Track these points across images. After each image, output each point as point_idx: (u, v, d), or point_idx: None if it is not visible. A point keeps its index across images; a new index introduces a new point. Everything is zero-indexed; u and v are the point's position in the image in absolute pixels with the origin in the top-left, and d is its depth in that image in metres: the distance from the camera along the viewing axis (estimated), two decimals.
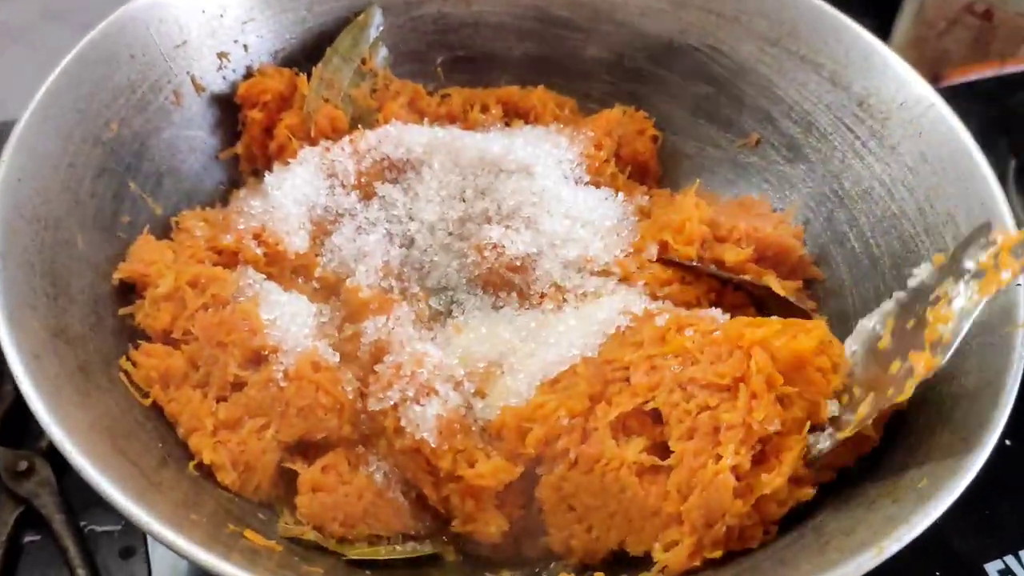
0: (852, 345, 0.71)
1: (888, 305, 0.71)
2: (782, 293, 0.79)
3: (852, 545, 0.58)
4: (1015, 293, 0.68)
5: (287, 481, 0.69)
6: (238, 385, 0.69)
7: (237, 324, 0.70)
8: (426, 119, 0.89)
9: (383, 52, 0.92)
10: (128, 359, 0.71)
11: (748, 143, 0.92)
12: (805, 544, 0.63)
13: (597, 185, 0.86)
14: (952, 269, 0.66)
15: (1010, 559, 0.80)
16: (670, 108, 0.96)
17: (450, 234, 0.82)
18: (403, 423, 0.67)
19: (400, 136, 0.84)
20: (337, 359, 0.71)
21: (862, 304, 0.81)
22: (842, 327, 0.80)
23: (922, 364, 0.63)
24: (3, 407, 0.82)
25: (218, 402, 0.69)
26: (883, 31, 1.22)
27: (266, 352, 0.69)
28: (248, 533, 0.62)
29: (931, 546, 0.58)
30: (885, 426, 0.68)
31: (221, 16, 0.86)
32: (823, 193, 0.87)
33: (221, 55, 0.87)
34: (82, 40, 0.77)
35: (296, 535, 0.66)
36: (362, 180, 0.83)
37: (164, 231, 0.81)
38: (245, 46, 0.88)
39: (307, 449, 0.69)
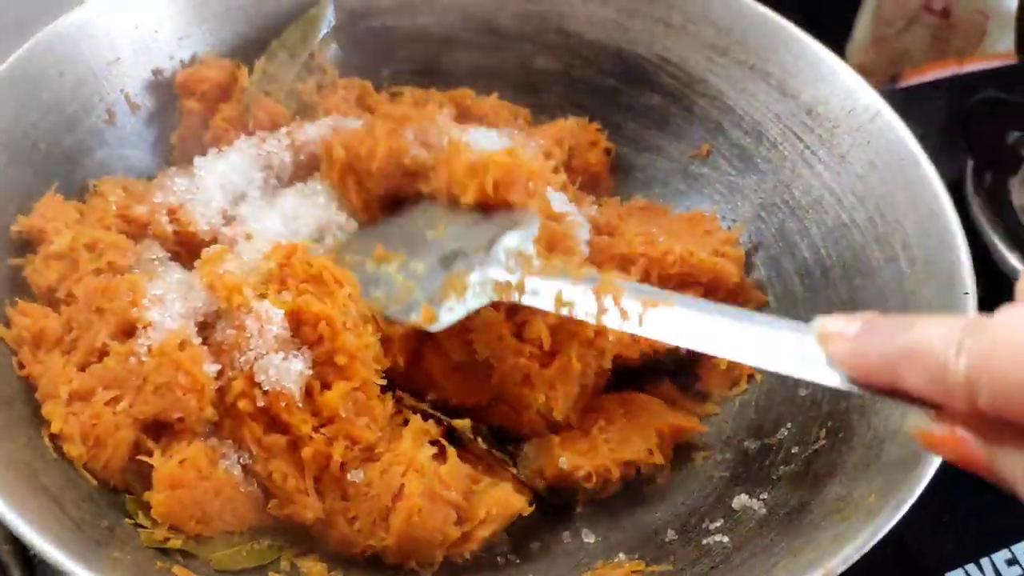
0: None
1: None
2: None
3: (799, 566, 0.57)
4: (963, 304, 0.68)
5: (139, 473, 0.66)
6: (103, 355, 0.67)
7: (121, 292, 0.67)
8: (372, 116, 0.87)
9: (333, 48, 0.90)
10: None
11: (699, 153, 0.91)
12: (755, 564, 0.62)
13: None
14: (488, 238, 0.72)
15: (971, 567, 0.79)
16: (620, 119, 0.94)
17: None
18: (259, 378, 0.65)
19: (340, 129, 0.82)
20: (200, 342, 0.68)
21: (814, 314, 0.79)
22: None
23: (426, 316, 0.70)
24: None
25: (79, 371, 0.66)
26: (843, 31, 1.23)
27: (142, 326, 0.66)
28: (177, 569, 0.60)
29: (890, 553, 0.57)
30: (835, 440, 0.67)
31: (156, 32, 0.84)
32: (774, 203, 0.86)
33: (156, 72, 0.84)
34: (7, 59, 0.74)
35: (160, 543, 0.63)
36: (299, 172, 0.82)
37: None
38: (181, 62, 0.86)
39: (162, 432, 0.66)
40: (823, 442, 0.70)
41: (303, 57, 0.87)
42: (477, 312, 0.70)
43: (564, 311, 0.67)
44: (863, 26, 1.21)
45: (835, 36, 0.86)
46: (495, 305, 0.71)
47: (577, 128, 0.92)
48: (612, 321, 0.65)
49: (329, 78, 0.89)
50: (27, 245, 0.73)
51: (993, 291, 0.72)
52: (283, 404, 0.65)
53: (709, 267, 0.81)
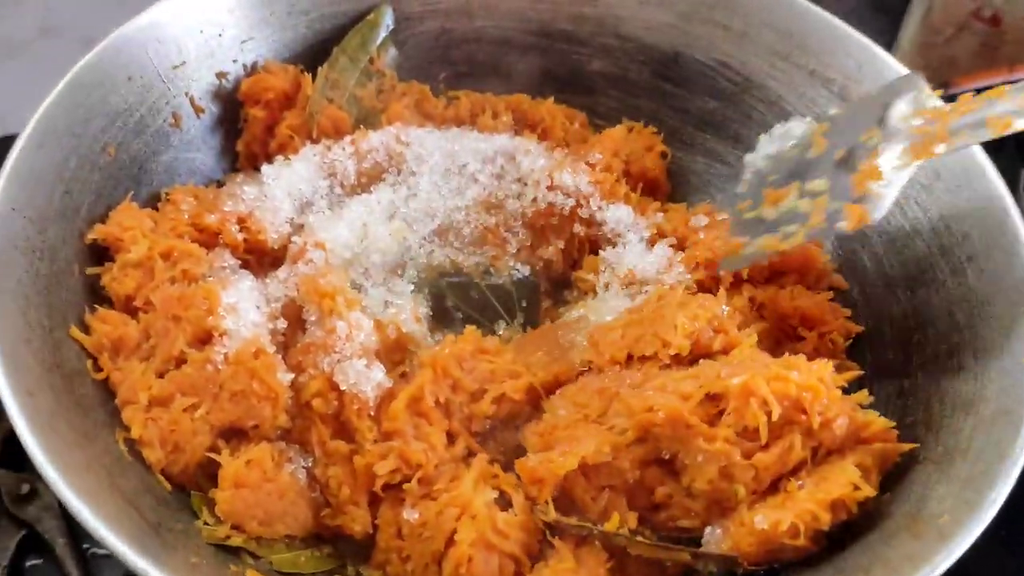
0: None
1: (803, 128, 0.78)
2: None
3: None
4: None
5: (207, 472, 0.67)
6: (181, 362, 0.68)
7: (196, 300, 0.69)
8: (432, 123, 0.88)
9: (392, 52, 0.91)
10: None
11: None
12: None
13: None
14: (875, 118, 0.71)
15: None
16: (676, 123, 0.94)
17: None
18: (338, 378, 0.66)
19: (403, 138, 0.83)
20: (274, 351, 0.69)
21: (876, 326, 0.79)
22: (856, 348, 0.80)
23: (855, 216, 0.69)
24: (4, 429, 0.80)
25: (158, 377, 0.68)
26: (889, 37, 1.21)
27: (217, 334, 0.68)
28: (250, 573, 0.61)
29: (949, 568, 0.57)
30: (904, 455, 0.67)
31: (219, 36, 0.85)
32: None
33: (220, 75, 0.85)
34: (77, 63, 0.75)
35: (220, 540, 0.64)
36: (362, 180, 0.82)
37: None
38: (244, 66, 0.86)
39: (238, 438, 0.68)
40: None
41: (363, 62, 0.88)
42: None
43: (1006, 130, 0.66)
44: (910, 33, 1.20)
45: (880, 44, 0.85)
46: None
47: (632, 134, 0.92)
48: None
49: (389, 82, 0.90)
50: (101, 253, 0.74)
51: None
52: (356, 407, 0.66)
53: (799, 253, 0.80)
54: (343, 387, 0.66)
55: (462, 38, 0.95)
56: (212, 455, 0.66)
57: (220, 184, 0.84)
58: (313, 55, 0.89)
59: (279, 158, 0.82)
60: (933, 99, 0.72)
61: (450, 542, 0.64)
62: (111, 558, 0.75)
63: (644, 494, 0.67)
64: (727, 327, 0.73)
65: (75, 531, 0.75)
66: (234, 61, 0.86)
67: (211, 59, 0.84)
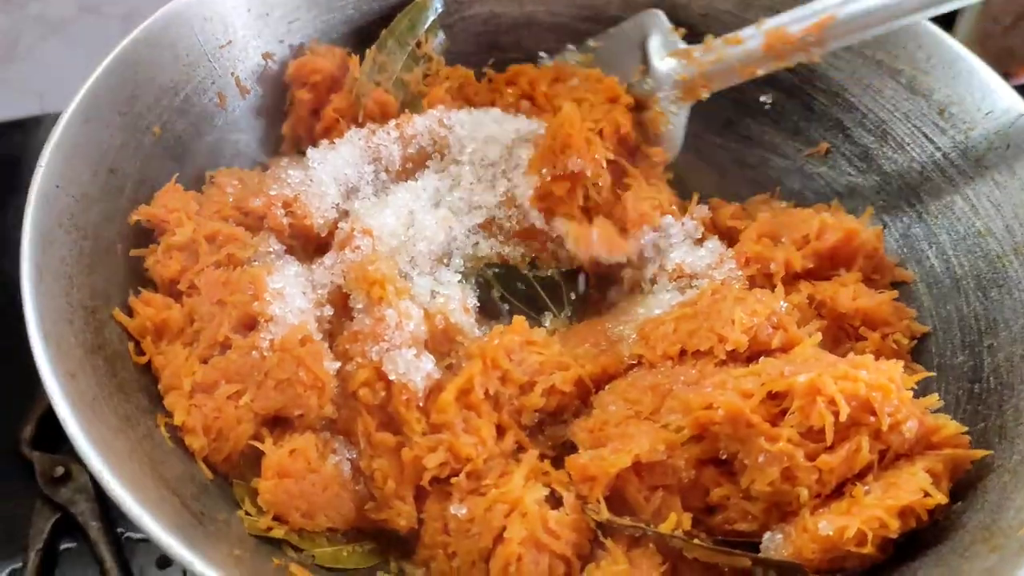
0: None
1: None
2: None
3: None
4: None
5: (249, 460, 0.65)
6: (225, 348, 0.66)
7: (242, 285, 0.67)
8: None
9: (440, 37, 0.89)
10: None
11: (817, 152, 0.88)
12: None
13: None
14: (636, 56, 0.84)
15: None
16: (732, 114, 0.91)
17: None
18: (387, 368, 0.64)
19: (447, 121, 0.81)
20: (320, 338, 0.67)
21: (944, 326, 0.76)
22: (921, 349, 0.76)
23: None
24: (39, 411, 0.80)
25: (202, 363, 0.66)
26: (945, 26, 1.17)
27: (263, 320, 0.66)
28: (294, 568, 0.59)
29: None
30: (975, 463, 0.64)
31: (267, 15, 0.83)
32: (898, 207, 0.82)
33: (266, 56, 0.83)
34: (125, 38, 0.73)
35: (261, 531, 0.62)
36: (407, 166, 0.80)
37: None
38: (291, 46, 0.84)
39: (282, 427, 0.66)
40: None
41: (411, 46, 0.86)
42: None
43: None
44: (967, 23, 1.15)
45: None
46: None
47: (590, 85, 0.86)
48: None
49: (435, 67, 0.88)
50: (146, 235, 0.72)
51: None
52: (404, 398, 0.64)
53: (856, 232, 0.77)
54: (392, 377, 0.64)
55: (512, 23, 0.92)
56: (255, 443, 0.64)
57: (265, 167, 0.82)
58: (360, 36, 0.87)
59: (324, 142, 0.80)
60: (677, 38, 0.86)
61: (499, 540, 0.61)
62: (146, 542, 0.74)
63: (699, 495, 0.64)
64: (786, 324, 0.70)
65: (109, 514, 0.75)
66: (280, 41, 0.84)
67: (258, 39, 0.82)
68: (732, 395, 0.62)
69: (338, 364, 0.65)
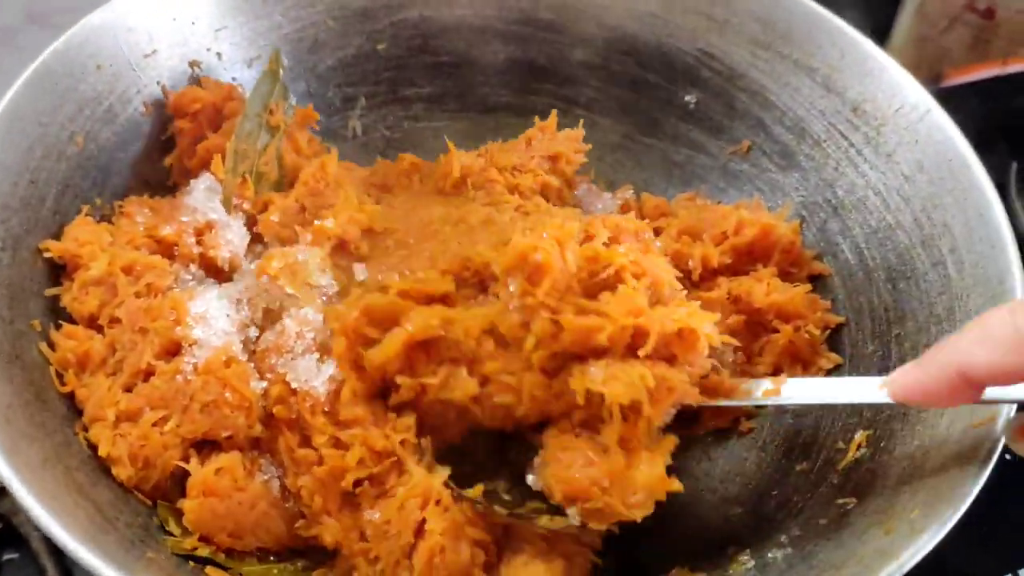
0: None
1: None
2: None
3: None
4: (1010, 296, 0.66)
5: (177, 481, 0.65)
6: (149, 375, 0.66)
7: (164, 311, 0.67)
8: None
9: (291, 100, 0.85)
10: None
11: (740, 150, 0.89)
12: (794, 574, 0.61)
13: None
14: None
15: None
16: (659, 114, 0.93)
17: None
18: (289, 377, 0.64)
19: None
20: (246, 359, 0.68)
21: (856, 317, 0.78)
22: (836, 340, 0.78)
23: None
24: None
25: (125, 392, 0.66)
26: (883, 29, 1.20)
27: (187, 344, 0.66)
28: (209, 570, 0.60)
29: (926, 564, 0.55)
30: (876, 448, 0.66)
31: (193, 24, 0.83)
32: (816, 202, 0.84)
33: (193, 64, 0.84)
34: (45, 50, 0.74)
35: (187, 551, 0.62)
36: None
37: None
38: (219, 54, 0.85)
39: (209, 448, 0.66)
40: (864, 450, 0.68)
41: (264, 117, 0.82)
42: None
43: None
44: (903, 25, 1.18)
45: (873, 35, 0.84)
46: None
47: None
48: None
49: (294, 135, 0.83)
50: (59, 268, 0.72)
51: None
52: (308, 404, 0.64)
53: (773, 227, 0.79)
54: (294, 385, 0.65)
55: (442, 27, 0.93)
56: (180, 463, 0.64)
57: (174, 192, 0.81)
58: (288, 43, 0.88)
59: (206, 174, 0.79)
60: None
61: (419, 534, 0.62)
62: None
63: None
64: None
65: None
66: (208, 50, 0.85)
67: (183, 47, 0.83)
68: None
69: (264, 384, 0.66)
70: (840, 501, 0.66)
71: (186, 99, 0.81)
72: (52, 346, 0.68)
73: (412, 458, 0.64)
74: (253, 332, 0.70)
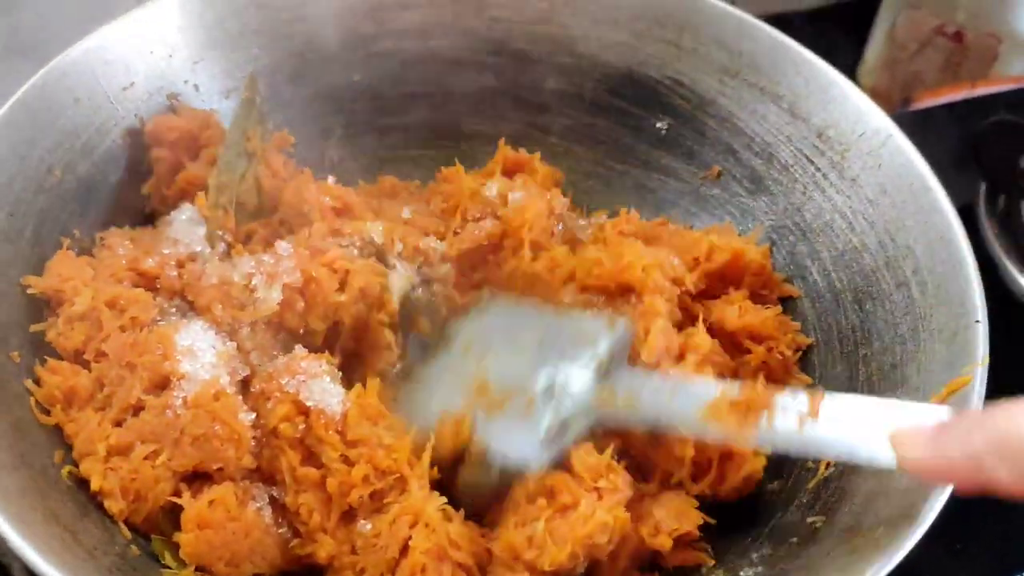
0: None
1: None
2: None
3: None
4: (973, 331, 0.67)
5: (169, 515, 0.66)
6: (138, 410, 0.67)
7: (151, 346, 0.68)
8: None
9: (268, 125, 0.85)
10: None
11: (710, 175, 0.91)
12: None
13: None
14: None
15: None
16: (631, 140, 0.95)
17: None
18: (303, 396, 0.66)
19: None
20: (235, 391, 0.69)
21: (825, 338, 0.80)
22: (805, 361, 0.80)
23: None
24: None
25: (115, 426, 0.67)
26: (854, 54, 1.23)
27: (176, 379, 0.67)
28: None
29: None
30: (844, 466, 0.67)
31: (170, 56, 0.85)
32: (785, 226, 0.86)
33: (171, 97, 0.85)
34: (23, 86, 0.75)
35: None
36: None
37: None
38: (196, 86, 0.86)
39: (201, 481, 0.67)
40: (832, 469, 0.70)
41: (243, 145, 0.82)
42: None
43: None
44: (875, 49, 1.21)
45: (846, 59, 0.86)
46: None
47: None
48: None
49: (258, 161, 0.82)
50: (44, 304, 0.73)
51: (1004, 316, 0.72)
52: (322, 422, 0.66)
53: (743, 251, 0.81)
54: (309, 404, 0.66)
55: (416, 57, 0.95)
56: (173, 499, 0.65)
57: (153, 221, 0.82)
58: (266, 75, 0.89)
59: (186, 204, 0.80)
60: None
61: (404, 550, 0.64)
62: None
63: None
64: None
65: None
66: (185, 82, 0.86)
67: (161, 80, 0.84)
68: None
69: (253, 415, 0.67)
70: (810, 520, 0.67)
71: (162, 127, 0.82)
72: (37, 382, 0.69)
73: (416, 480, 0.66)
74: (241, 368, 0.70)
